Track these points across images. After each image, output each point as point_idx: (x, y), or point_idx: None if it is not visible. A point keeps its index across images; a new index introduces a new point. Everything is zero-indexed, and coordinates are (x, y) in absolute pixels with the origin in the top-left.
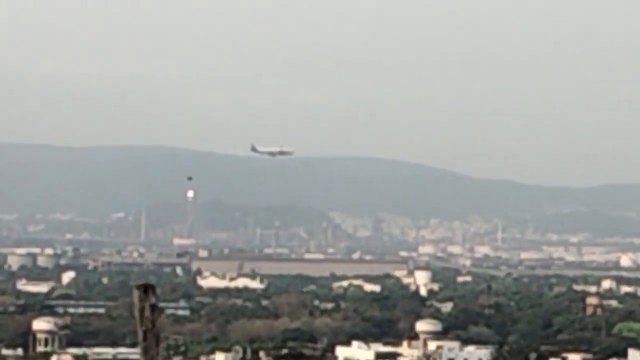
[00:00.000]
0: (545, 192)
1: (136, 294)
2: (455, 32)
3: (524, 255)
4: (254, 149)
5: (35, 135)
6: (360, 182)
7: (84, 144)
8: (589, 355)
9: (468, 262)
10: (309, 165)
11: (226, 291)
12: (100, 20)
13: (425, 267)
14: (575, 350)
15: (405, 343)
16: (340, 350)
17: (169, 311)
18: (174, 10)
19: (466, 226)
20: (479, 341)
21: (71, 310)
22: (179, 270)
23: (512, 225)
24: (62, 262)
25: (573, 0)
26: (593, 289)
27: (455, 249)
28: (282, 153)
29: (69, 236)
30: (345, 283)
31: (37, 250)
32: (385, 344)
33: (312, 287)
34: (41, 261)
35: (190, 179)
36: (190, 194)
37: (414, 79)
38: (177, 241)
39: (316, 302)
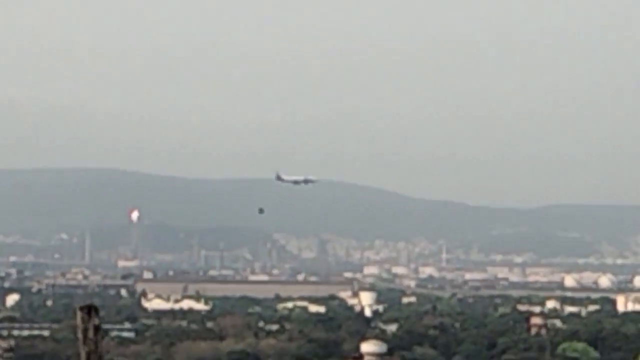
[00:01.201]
0: (490, 212)
1: (80, 315)
2: (391, 48)
3: (468, 275)
4: (279, 178)
5: None
6: (305, 203)
7: (28, 166)
8: None
9: (413, 283)
10: (253, 186)
11: (171, 313)
12: (45, 42)
13: (370, 288)
14: None
15: None
16: None
17: (113, 333)
18: (121, 35)
19: (411, 247)
20: None
21: (15, 333)
22: (123, 292)
23: (457, 246)
24: (6, 284)
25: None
26: (537, 309)
27: (400, 270)
28: (306, 182)
29: (12, 259)
30: (290, 304)
31: None
32: None
33: (257, 308)
34: None
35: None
36: (135, 216)
37: (354, 99)
38: (121, 263)
39: (261, 324)
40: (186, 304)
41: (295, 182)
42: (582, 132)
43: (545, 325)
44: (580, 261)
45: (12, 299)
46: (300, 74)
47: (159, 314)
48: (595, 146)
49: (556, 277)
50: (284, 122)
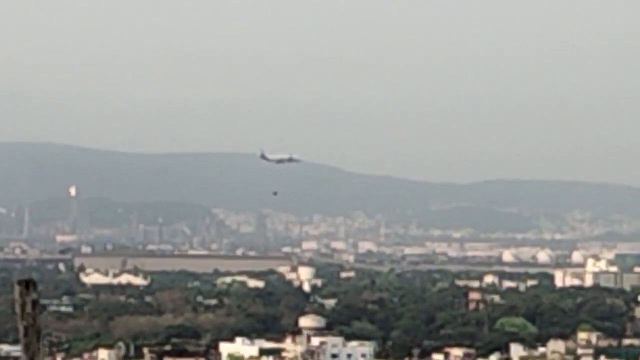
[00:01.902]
0: (428, 187)
1: (17, 290)
2: (337, 35)
3: (407, 250)
4: (263, 157)
5: None
6: (243, 178)
7: None
8: (472, 350)
9: (351, 258)
10: (192, 161)
11: (109, 287)
12: None
13: (309, 263)
14: (458, 345)
15: (288, 339)
16: (224, 347)
17: (51, 308)
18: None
19: (349, 222)
20: (362, 337)
21: None
22: (61, 266)
23: (395, 221)
24: None
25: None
26: (475, 284)
27: (338, 245)
28: (290, 160)
29: None
30: (228, 279)
31: None
32: (269, 339)
33: (196, 283)
34: None
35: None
36: (73, 190)
37: (295, 74)
38: (59, 237)
39: (199, 299)
40: (125, 278)
41: (279, 161)
42: (517, 108)
43: (483, 300)
44: (519, 236)
45: None
46: (240, 54)
47: (97, 288)
48: (530, 121)
49: (494, 252)
50: (225, 98)
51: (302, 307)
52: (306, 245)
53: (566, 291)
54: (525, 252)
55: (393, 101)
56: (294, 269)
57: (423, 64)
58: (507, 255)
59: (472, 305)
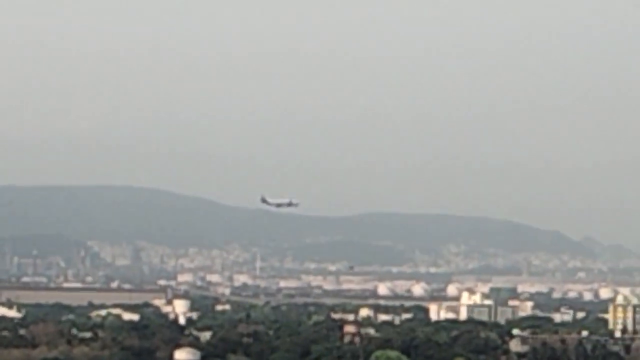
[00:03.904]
0: (303, 221)
1: None
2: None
3: (282, 283)
4: (264, 200)
5: None
6: (119, 210)
7: None
8: None
9: (227, 291)
10: (67, 194)
11: None
12: None
13: (184, 296)
14: None
15: None
16: None
17: None
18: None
19: (225, 255)
20: None
21: None
22: None
23: (271, 254)
24: None
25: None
26: (351, 317)
27: (214, 278)
28: (289, 205)
29: None
30: (103, 312)
31: None
32: None
33: (70, 316)
34: None
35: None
36: None
37: (161, 105)
38: None
39: (74, 331)
40: None
41: (279, 205)
42: (392, 141)
43: (358, 333)
44: (394, 270)
45: None
46: (130, 73)
47: None
48: (405, 155)
49: (370, 286)
50: (101, 129)
51: (177, 340)
52: (182, 278)
53: (441, 324)
54: (401, 286)
55: (262, 134)
56: (170, 302)
57: (293, 98)
58: (383, 289)
59: (347, 339)
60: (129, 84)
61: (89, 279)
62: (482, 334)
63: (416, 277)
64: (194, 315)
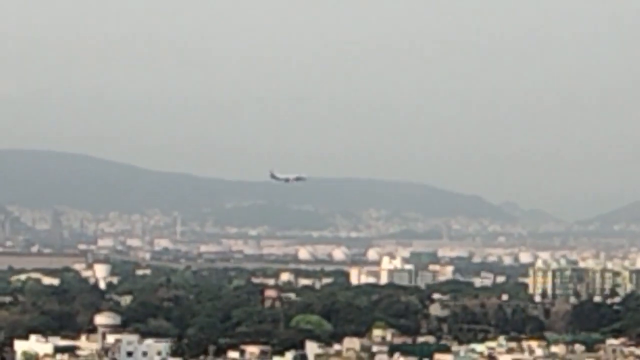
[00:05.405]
0: (224, 185)
1: None
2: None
3: (203, 248)
4: (273, 176)
5: None
6: (39, 175)
7: None
8: (267, 348)
9: (147, 255)
10: None
11: None
12: None
13: (105, 260)
14: (254, 342)
15: (84, 336)
16: (19, 344)
17: None
18: None
19: (145, 219)
20: (158, 334)
21: None
22: None
23: (192, 218)
24: None
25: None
26: (271, 281)
27: (134, 242)
28: (298, 179)
29: None
30: (23, 276)
31: None
32: (64, 337)
33: None
34: None
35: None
36: None
37: (81, 70)
38: None
39: None
40: None
41: (287, 180)
42: (313, 105)
43: (279, 298)
44: (314, 234)
45: None
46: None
47: None
48: (326, 119)
49: (290, 250)
50: (21, 93)
51: (98, 305)
52: (102, 242)
53: (361, 289)
54: (321, 250)
55: (190, 103)
56: (90, 267)
57: (224, 58)
58: (303, 253)
59: (268, 303)
60: (52, 47)
61: (9, 243)
62: (403, 299)
63: (337, 242)
64: (115, 279)
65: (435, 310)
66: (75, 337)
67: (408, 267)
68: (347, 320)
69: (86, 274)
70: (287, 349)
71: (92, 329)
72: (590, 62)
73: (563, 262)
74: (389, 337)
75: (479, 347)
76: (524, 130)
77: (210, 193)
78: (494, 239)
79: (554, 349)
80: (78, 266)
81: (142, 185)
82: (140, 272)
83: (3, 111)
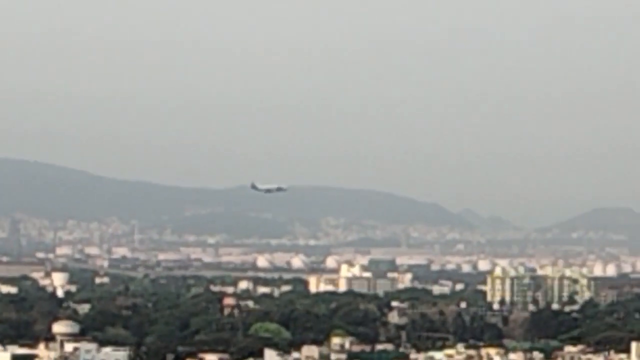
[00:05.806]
0: (182, 193)
1: None
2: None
3: (161, 256)
4: (254, 187)
5: None
6: None
7: None
8: (226, 356)
9: (106, 264)
10: None
11: None
12: None
13: (63, 269)
14: (212, 350)
15: (42, 345)
16: None
17: None
18: None
19: (104, 227)
20: (116, 342)
21: None
22: None
23: (150, 226)
24: None
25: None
26: (230, 289)
27: (92, 250)
28: (278, 189)
29: None
30: None
31: None
32: (22, 345)
33: None
34: None
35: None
36: None
37: (35, 79)
38: None
39: None
40: None
41: (268, 191)
42: (271, 113)
43: (238, 306)
44: (273, 242)
45: None
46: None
47: None
48: (284, 127)
49: (249, 258)
50: None
51: (56, 313)
52: (60, 250)
53: (320, 297)
54: (280, 258)
55: (149, 111)
56: (48, 275)
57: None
58: (262, 261)
59: (226, 311)
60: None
61: None
62: (361, 306)
63: (295, 250)
64: (73, 288)
65: (393, 318)
66: (34, 345)
67: (366, 274)
68: (306, 328)
69: (44, 282)
70: (246, 357)
71: (50, 338)
72: (553, 67)
73: (521, 269)
74: (347, 345)
75: (438, 355)
76: (482, 138)
77: (168, 201)
78: (452, 247)
79: (512, 356)
80: (36, 274)
81: (100, 193)
82: (98, 280)
83: None
